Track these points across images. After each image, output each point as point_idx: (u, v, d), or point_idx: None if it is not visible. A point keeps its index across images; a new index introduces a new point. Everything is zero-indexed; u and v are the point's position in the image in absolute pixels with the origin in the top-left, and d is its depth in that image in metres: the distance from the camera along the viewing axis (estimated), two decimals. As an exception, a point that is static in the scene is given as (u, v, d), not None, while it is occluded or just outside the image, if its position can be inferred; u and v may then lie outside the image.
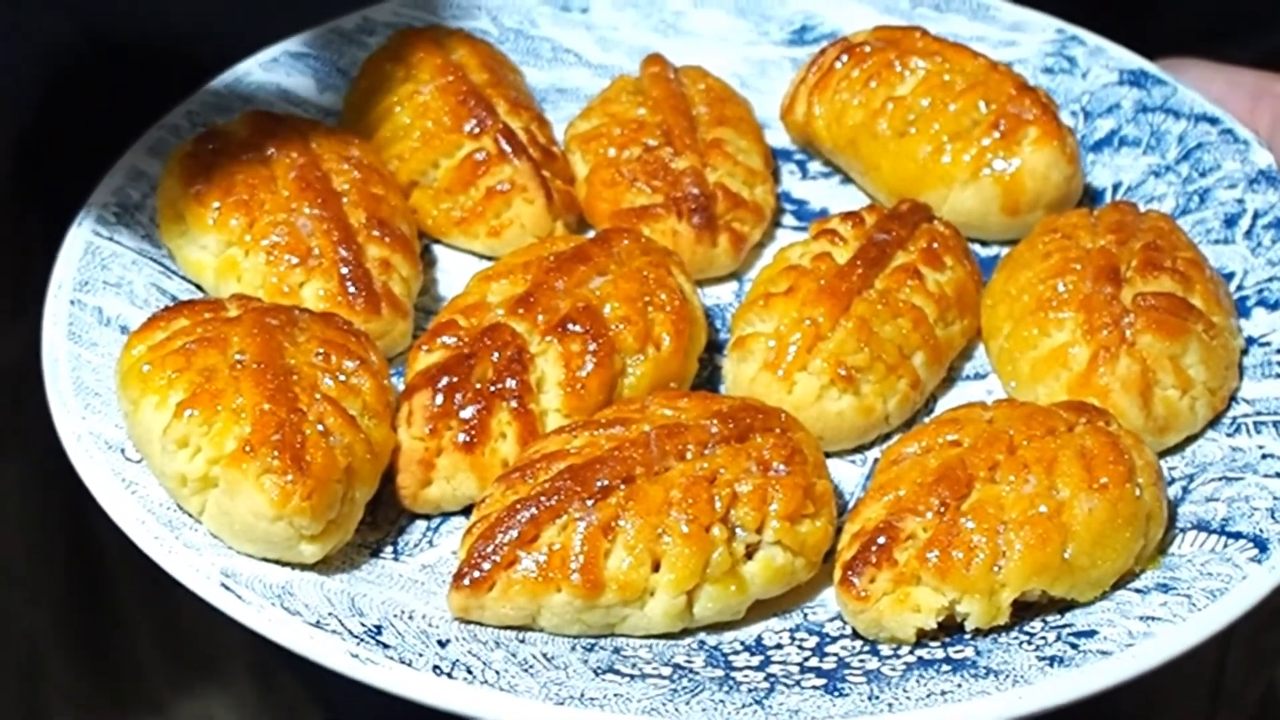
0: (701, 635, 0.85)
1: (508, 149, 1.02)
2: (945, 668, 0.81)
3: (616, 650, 0.83)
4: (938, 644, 0.83)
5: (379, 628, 0.82)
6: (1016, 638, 0.83)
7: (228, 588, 0.82)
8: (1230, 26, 1.35)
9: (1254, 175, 1.03)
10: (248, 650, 1.29)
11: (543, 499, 0.84)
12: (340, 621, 0.82)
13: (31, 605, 1.38)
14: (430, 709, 0.80)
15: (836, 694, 0.80)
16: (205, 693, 1.31)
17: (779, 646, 0.84)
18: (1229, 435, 0.92)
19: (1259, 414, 0.92)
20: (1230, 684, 1.30)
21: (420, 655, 0.80)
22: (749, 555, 0.85)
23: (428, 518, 0.90)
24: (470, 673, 0.80)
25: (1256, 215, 1.01)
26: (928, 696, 0.79)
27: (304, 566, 0.85)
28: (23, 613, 1.39)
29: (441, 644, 0.82)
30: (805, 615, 0.86)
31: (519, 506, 0.84)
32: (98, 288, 0.96)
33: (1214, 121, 1.06)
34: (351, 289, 0.95)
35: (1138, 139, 1.07)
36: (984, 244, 1.05)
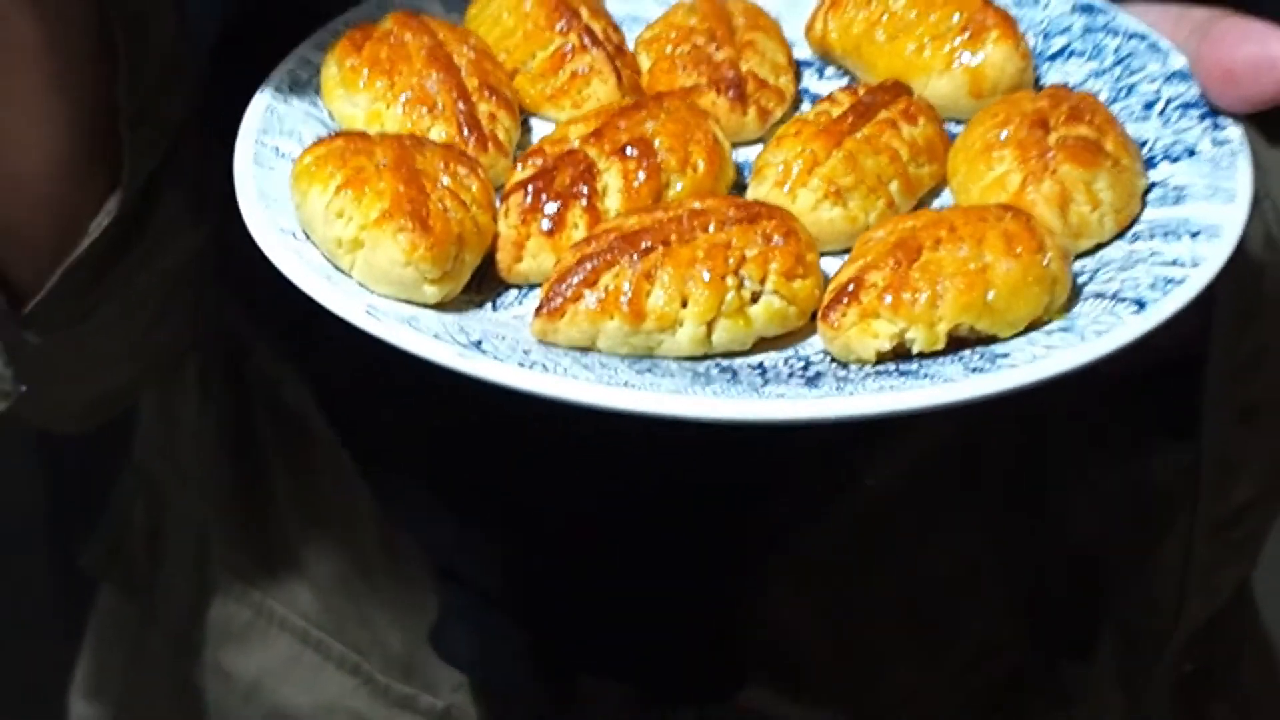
0: (719, 359, 1.14)
1: (588, 42, 1.32)
2: (895, 375, 1.10)
3: (655, 363, 1.12)
4: (893, 365, 1.12)
5: (479, 342, 1.11)
6: (951, 359, 1.10)
7: (371, 314, 1.12)
8: None
9: (1170, 73, 1.31)
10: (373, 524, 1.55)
11: (602, 254, 1.13)
12: (452, 336, 1.11)
13: (199, 498, 1.66)
14: None
15: (814, 385, 1.09)
16: (334, 553, 1.58)
17: (775, 366, 1.13)
18: (1130, 243, 1.20)
19: (1153, 229, 1.21)
20: None
21: (510, 356, 1.09)
22: (754, 300, 1.13)
23: (519, 287, 1.19)
24: (545, 367, 1.08)
25: (1169, 101, 1.30)
26: (879, 389, 1.07)
27: (427, 305, 1.14)
28: (194, 506, 1.67)
29: (525, 352, 1.11)
30: (796, 350, 1.15)
31: (584, 259, 1.13)
32: (275, 133, 1.25)
33: (1143, 37, 1.35)
34: (466, 131, 1.25)
35: (1083, 51, 1.36)
36: (958, 122, 1.34)
